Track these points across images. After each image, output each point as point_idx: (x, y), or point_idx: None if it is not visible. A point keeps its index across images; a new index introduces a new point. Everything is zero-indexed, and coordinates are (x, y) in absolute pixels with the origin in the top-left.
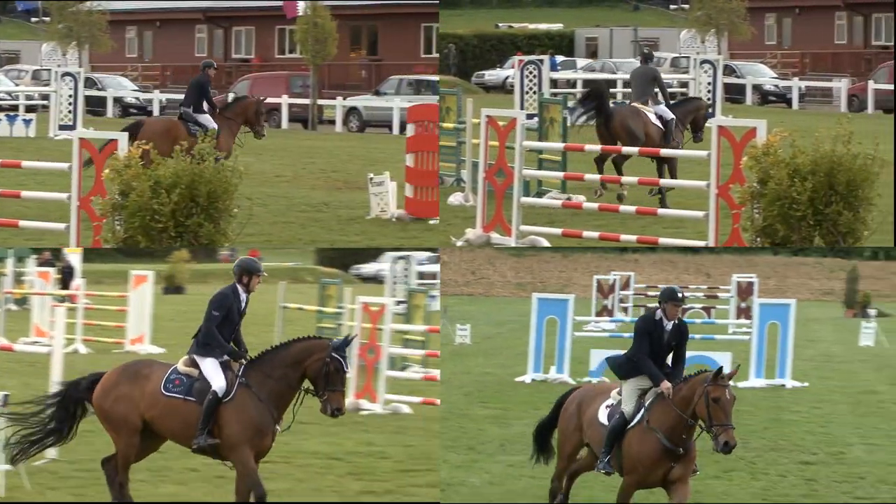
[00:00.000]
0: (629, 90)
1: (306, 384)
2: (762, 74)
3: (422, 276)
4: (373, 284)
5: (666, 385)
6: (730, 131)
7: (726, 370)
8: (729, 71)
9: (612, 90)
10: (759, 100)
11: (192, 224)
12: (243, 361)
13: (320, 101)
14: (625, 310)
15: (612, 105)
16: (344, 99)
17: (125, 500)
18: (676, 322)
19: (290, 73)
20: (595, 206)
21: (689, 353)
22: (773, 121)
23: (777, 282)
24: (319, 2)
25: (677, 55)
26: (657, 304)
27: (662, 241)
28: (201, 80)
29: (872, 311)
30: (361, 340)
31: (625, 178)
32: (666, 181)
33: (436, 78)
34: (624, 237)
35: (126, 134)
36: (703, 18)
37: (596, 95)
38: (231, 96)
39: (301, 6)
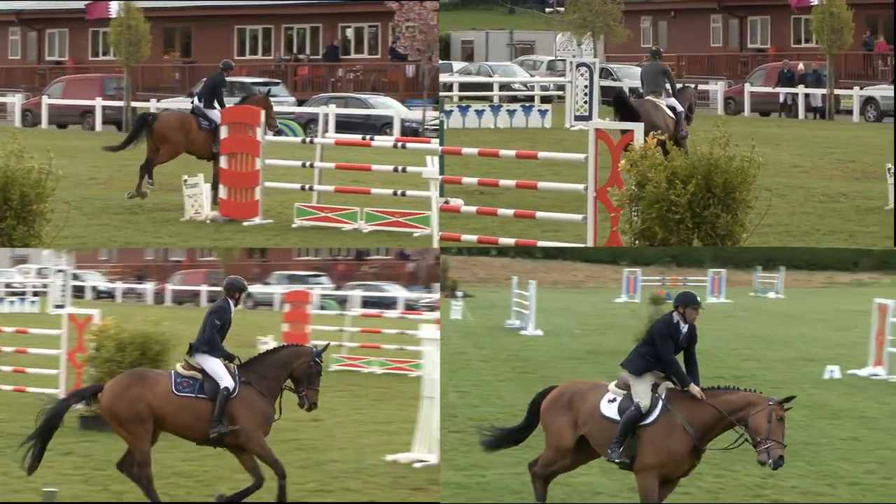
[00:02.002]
0: (504, 92)
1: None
2: (637, 77)
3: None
4: None
5: (696, 389)
6: (607, 134)
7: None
8: (605, 74)
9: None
10: None
11: (7, 227)
12: (238, 363)
13: (134, 104)
14: None
15: (634, 102)
16: (158, 101)
17: (156, 497)
18: (689, 325)
19: (104, 75)
20: (473, 209)
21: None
22: None
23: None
24: (133, 3)
25: (553, 58)
26: (673, 308)
27: (541, 243)
28: (217, 79)
29: (459, 293)
30: None
31: (502, 182)
32: (545, 184)
33: (250, 80)
34: (502, 240)
35: None
36: (579, 21)
37: (618, 103)
38: (45, 98)
39: (114, 7)
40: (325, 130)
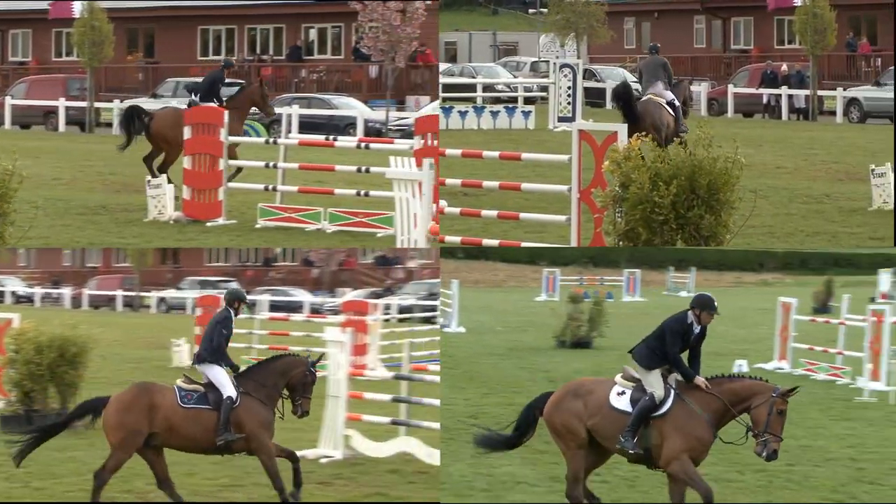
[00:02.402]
0: (488, 93)
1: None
2: (621, 78)
3: None
4: None
5: (701, 380)
6: (591, 135)
7: None
8: (589, 75)
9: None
10: None
11: None
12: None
13: (97, 104)
14: None
15: (637, 104)
16: (121, 102)
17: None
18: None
19: (67, 75)
20: (457, 210)
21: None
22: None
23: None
24: (96, 3)
25: (536, 59)
26: (689, 307)
27: (525, 244)
28: (217, 75)
29: None
30: None
31: (486, 183)
32: (528, 185)
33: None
34: (486, 242)
35: None
36: (562, 22)
37: (623, 99)
38: (8, 98)
39: (77, 7)
40: (289, 131)
